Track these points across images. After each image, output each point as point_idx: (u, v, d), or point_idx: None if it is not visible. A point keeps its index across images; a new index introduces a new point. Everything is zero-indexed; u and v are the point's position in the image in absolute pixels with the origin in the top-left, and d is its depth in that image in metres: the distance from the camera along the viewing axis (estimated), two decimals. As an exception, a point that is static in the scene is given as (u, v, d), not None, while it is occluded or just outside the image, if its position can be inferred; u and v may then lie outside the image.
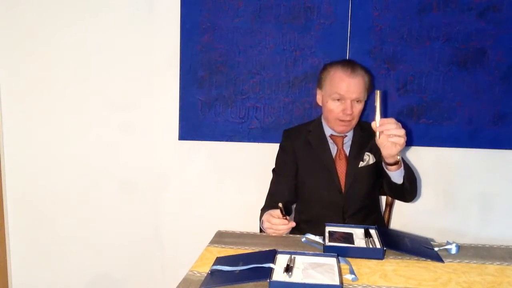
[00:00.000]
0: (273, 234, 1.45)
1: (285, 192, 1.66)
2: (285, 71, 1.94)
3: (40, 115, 2.08)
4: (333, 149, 1.66)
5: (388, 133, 1.34)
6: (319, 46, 1.91)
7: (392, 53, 1.90)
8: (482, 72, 1.89)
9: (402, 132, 1.35)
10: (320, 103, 1.68)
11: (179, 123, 2.00)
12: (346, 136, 1.67)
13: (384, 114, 1.90)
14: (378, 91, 1.33)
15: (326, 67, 1.65)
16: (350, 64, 1.59)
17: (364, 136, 1.68)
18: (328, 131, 1.67)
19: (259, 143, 1.98)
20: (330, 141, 1.67)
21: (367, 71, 1.63)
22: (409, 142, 1.91)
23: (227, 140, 2.00)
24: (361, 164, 1.64)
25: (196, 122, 1.99)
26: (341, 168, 1.64)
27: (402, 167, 1.46)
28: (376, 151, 1.64)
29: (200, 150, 2.05)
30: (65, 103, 2.06)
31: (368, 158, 1.66)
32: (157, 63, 2.01)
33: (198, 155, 2.06)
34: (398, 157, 1.42)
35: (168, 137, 2.04)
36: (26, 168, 2.12)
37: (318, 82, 1.67)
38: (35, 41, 2.03)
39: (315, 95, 1.71)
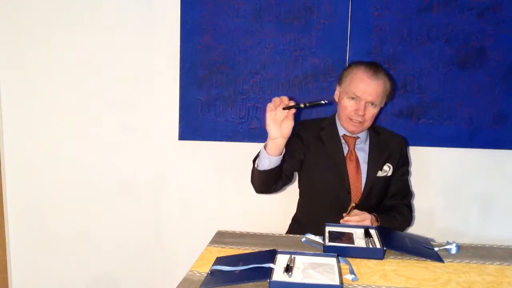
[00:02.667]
0: (270, 112, 1.39)
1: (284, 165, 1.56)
2: (285, 71, 1.94)
3: (40, 115, 2.08)
4: (344, 149, 1.66)
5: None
6: (319, 46, 1.91)
7: (392, 53, 1.90)
8: (482, 72, 1.89)
9: (363, 221, 1.49)
10: (337, 99, 1.69)
11: (179, 123, 2.00)
12: (359, 138, 1.67)
13: (384, 114, 1.92)
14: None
15: (350, 65, 1.67)
16: (373, 67, 1.59)
17: (381, 140, 1.69)
18: (341, 131, 1.68)
19: (259, 143, 1.97)
20: (342, 141, 1.67)
21: (391, 78, 1.64)
22: (410, 142, 1.90)
23: (227, 140, 2.00)
24: (380, 173, 1.66)
25: (196, 122, 1.99)
26: (351, 169, 1.64)
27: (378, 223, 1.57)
28: (393, 162, 1.68)
29: (200, 150, 2.05)
30: (65, 103, 2.06)
31: (388, 170, 1.67)
32: (157, 63, 2.00)
33: (198, 155, 2.06)
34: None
35: (168, 137, 2.04)
36: (26, 168, 2.11)
37: (339, 79, 1.68)
38: (35, 41, 2.03)
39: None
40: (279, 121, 1.40)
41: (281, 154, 1.46)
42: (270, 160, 1.46)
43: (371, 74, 1.56)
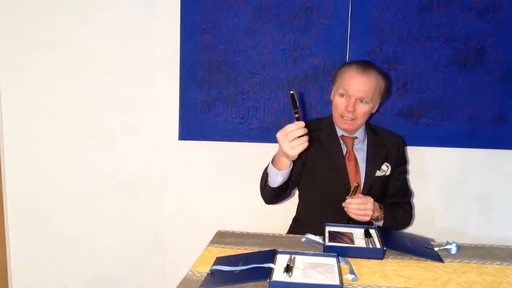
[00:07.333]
0: (290, 147, 1.30)
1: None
2: (285, 71, 1.94)
3: (40, 115, 2.07)
4: (343, 150, 1.67)
5: (353, 212, 1.49)
6: (319, 46, 1.91)
7: (392, 53, 1.90)
8: (482, 72, 1.89)
9: (365, 210, 1.49)
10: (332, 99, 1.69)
11: (179, 123, 2.00)
12: (357, 138, 1.67)
13: (384, 114, 1.92)
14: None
15: (343, 64, 1.69)
16: (364, 64, 1.60)
17: (378, 140, 1.70)
18: (339, 132, 1.68)
19: (259, 143, 1.98)
20: (340, 141, 1.67)
21: (384, 76, 1.64)
22: (409, 142, 1.91)
23: (227, 140, 2.00)
24: (378, 173, 1.66)
25: (196, 122, 1.99)
26: (351, 169, 1.64)
27: (381, 221, 1.60)
28: (391, 161, 1.68)
29: (200, 150, 2.05)
30: (65, 103, 2.06)
31: (386, 169, 1.68)
32: (157, 63, 2.00)
33: (198, 155, 2.06)
34: (376, 215, 1.56)
35: (168, 137, 2.04)
36: (26, 168, 2.11)
37: (333, 78, 1.69)
38: (35, 42, 2.02)
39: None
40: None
41: (291, 166, 1.45)
42: (283, 175, 1.45)
43: (360, 71, 1.58)
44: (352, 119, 1.60)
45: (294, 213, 1.81)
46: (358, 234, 1.40)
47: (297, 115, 1.32)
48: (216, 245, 1.38)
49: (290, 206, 1.84)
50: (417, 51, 1.89)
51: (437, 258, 1.29)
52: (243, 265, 1.16)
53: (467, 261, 1.29)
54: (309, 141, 1.32)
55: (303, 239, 1.40)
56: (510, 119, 1.91)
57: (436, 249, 1.35)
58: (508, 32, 1.86)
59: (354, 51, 1.90)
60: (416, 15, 1.87)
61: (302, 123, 1.30)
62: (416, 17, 1.88)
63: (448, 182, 2.00)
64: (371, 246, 1.31)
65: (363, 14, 1.88)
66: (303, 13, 1.90)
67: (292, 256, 1.21)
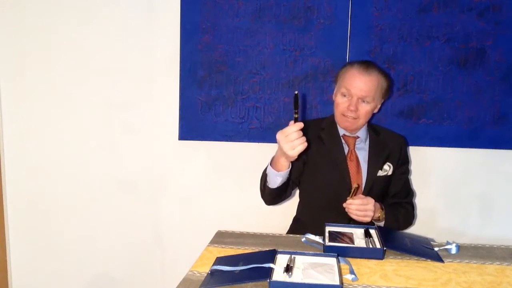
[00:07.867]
0: (291, 147, 1.31)
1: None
2: (285, 71, 1.94)
3: (40, 115, 2.08)
4: (345, 149, 1.67)
5: (353, 213, 1.49)
6: (319, 46, 1.91)
7: (392, 53, 1.90)
8: (482, 72, 1.89)
9: (366, 211, 1.49)
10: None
11: (179, 123, 2.00)
12: (359, 137, 1.67)
13: (384, 114, 1.92)
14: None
15: (345, 64, 1.70)
16: (365, 64, 1.61)
17: (380, 139, 1.70)
18: (341, 131, 1.68)
19: (259, 143, 1.98)
20: (342, 140, 1.67)
21: (386, 76, 1.64)
22: (410, 142, 1.90)
23: (227, 140, 2.00)
24: (380, 173, 1.66)
25: (196, 122, 1.99)
26: (352, 169, 1.64)
27: (383, 222, 1.60)
28: (393, 161, 1.68)
29: (200, 150, 2.05)
30: (65, 102, 2.06)
31: (388, 169, 1.68)
32: (157, 63, 2.00)
33: (198, 155, 2.06)
34: (377, 215, 1.56)
35: (168, 137, 2.04)
36: (26, 168, 2.11)
37: (335, 78, 1.70)
38: (35, 42, 2.02)
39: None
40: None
41: (289, 167, 1.45)
42: (282, 176, 1.45)
43: (362, 70, 1.58)
44: (354, 118, 1.60)
45: (294, 213, 1.81)
46: (358, 234, 1.40)
47: (296, 116, 1.33)
48: (216, 245, 1.38)
49: (290, 206, 1.84)
50: (417, 51, 1.89)
51: (437, 258, 1.29)
52: (243, 265, 1.16)
53: (467, 261, 1.29)
54: (308, 142, 1.34)
55: (303, 239, 1.40)
56: (510, 119, 1.91)
57: (436, 249, 1.35)
58: (508, 32, 1.86)
59: (354, 51, 1.90)
60: (416, 15, 1.87)
61: (301, 125, 1.32)
62: (416, 17, 1.88)
63: (448, 182, 2.00)
64: (371, 246, 1.31)
65: (363, 14, 1.88)
66: (303, 13, 1.90)
67: (292, 256, 1.21)
